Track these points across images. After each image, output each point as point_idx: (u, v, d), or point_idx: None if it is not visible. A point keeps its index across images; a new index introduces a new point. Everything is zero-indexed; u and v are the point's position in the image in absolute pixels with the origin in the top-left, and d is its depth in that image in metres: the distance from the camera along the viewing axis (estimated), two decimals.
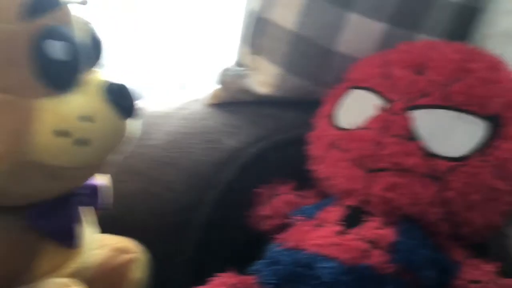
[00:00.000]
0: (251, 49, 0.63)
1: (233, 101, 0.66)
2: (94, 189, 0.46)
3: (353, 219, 0.47)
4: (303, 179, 0.55)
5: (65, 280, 0.40)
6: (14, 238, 0.39)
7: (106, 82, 0.39)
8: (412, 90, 0.47)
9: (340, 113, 0.52)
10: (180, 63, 1.08)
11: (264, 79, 0.63)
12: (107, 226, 0.54)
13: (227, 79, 0.66)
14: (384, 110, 0.47)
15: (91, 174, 0.43)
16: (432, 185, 0.44)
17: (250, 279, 0.47)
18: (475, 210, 0.44)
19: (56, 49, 0.36)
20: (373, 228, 0.45)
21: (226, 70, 0.68)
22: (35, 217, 0.40)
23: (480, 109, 0.45)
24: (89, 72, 0.40)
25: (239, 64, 0.69)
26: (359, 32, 0.57)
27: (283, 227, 0.52)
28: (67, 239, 0.42)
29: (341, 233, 0.45)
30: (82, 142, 0.36)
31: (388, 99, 0.48)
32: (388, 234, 0.44)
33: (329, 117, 0.53)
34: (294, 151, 0.57)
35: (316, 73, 0.60)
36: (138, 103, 0.42)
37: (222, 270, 0.48)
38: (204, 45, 1.05)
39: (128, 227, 0.54)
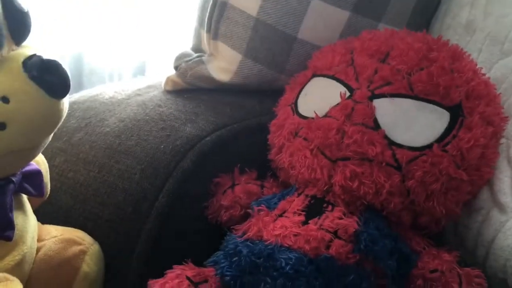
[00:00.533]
0: (210, 34, 0.61)
1: (191, 88, 0.64)
2: (31, 175, 0.43)
3: (315, 209, 0.46)
4: (263, 168, 0.54)
5: (1, 274, 0.37)
6: None
7: (29, 57, 0.36)
8: (375, 79, 0.46)
9: (303, 101, 0.51)
10: (139, 46, 1.04)
11: (223, 65, 0.61)
12: (57, 216, 0.51)
13: (184, 65, 0.64)
14: (347, 98, 0.46)
15: (20, 160, 0.40)
16: (395, 174, 0.44)
17: (208, 271, 0.45)
18: (435, 200, 0.44)
19: None
20: (335, 218, 0.44)
21: (183, 55, 0.65)
22: None
23: (442, 99, 0.45)
24: (12, 48, 0.37)
25: (196, 49, 0.67)
26: (322, 20, 0.56)
27: (242, 218, 0.50)
28: (3, 230, 0.39)
29: (302, 223, 0.44)
30: (2, 126, 0.34)
31: (351, 87, 0.47)
32: (350, 224, 0.43)
33: (291, 105, 0.52)
34: (254, 140, 0.55)
35: (277, 60, 0.58)
36: (68, 81, 0.38)
37: (179, 262, 0.47)
38: (164, 27, 1.02)
39: (79, 218, 0.51)
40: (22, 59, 0.36)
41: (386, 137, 0.44)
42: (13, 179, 0.40)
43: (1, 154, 0.35)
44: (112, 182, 0.52)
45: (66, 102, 0.39)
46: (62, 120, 0.39)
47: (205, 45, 0.63)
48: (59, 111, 0.38)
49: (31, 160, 0.42)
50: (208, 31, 0.61)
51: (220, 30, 0.60)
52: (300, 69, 0.57)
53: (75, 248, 0.46)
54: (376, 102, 0.45)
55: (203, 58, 0.62)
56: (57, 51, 0.92)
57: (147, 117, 0.57)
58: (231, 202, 0.51)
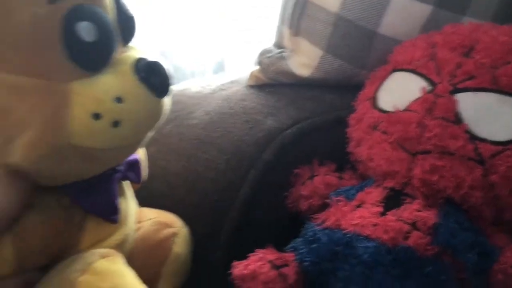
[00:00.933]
0: (291, 31, 0.63)
1: (272, 82, 0.67)
2: (133, 164, 0.47)
3: (393, 201, 0.47)
4: (342, 161, 0.55)
5: (106, 250, 0.41)
6: (59, 216, 0.40)
7: (138, 60, 0.39)
8: (458, 73, 0.46)
9: (382, 95, 0.52)
10: (220, 44, 1.08)
11: (304, 61, 0.63)
12: (151, 201, 0.55)
13: (266, 60, 0.66)
14: (428, 92, 0.47)
15: (127, 153, 0.43)
16: (476, 168, 0.43)
17: (288, 256, 0.48)
18: None
19: (86, 30, 0.35)
20: (414, 210, 0.45)
21: (265, 51, 0.68)
22: (77, 194, 0.40)
23: None
24: (122, 50, 0.40)
25: (278, 45, 0.69)
26: (403, 14, 0.56)
27: (321, 208, 0.52)
28: (109, 214, 0.43)
29: (381, 214, 0.46)
30: (115, 123, 0.36)
31: (432, 81, 0.47)
32: (429, 216, 0.44)
33: (371, 99, 0.53)
34: (333, 133, 0.57)
35: (357, 56, 0.59)
36: (171, 81, 0.41)
37: (260, 248, 0.49)
38: (244, 25, 1.05)
39: (169, 203, 0.55)
40: (131, 62, 0.38)
41: (468, 131, 0.44)
42: (118, 168, 0.44)
43: (113, 148, 0.38)
44: (200, 171, 0.56)
45: (167, 100, 0.42)
46: (164, 116, 0.43)
47: (286, 41, 0.65)
48: (162, 109, 0.41)
49: (134, 152, 0.45)
50: (290, 27, 0.63)
51: (301, 26, 0.62)
52: (380, 64, 0.57)
53: (168, 231, 0.50)
54: (458, 96, 0.45)
55: (284, 54, 0.65)
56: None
57: (231, 111, 0.60)
58: (310, 192, 0.53)
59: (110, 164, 0.42)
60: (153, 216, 0.51)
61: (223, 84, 0.69)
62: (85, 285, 0.37)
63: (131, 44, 0.42)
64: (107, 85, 0.36)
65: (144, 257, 0.48)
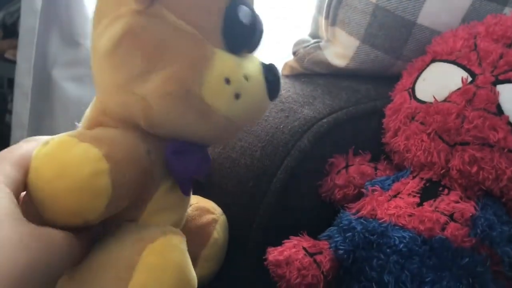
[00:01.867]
0: (328, 21, 0.63)
1: (308, 72, 0.67)
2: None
3: (430, 191, 0.47)
4: (377, 151, 0.55)
5: (175, 229, 0.41)
6: (146, 162, 0.40)
7: (261, 61, 0.43)
8: (500, 64, 0.46)
9: (421, 86, 0.52)
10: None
11: (340, 51, 0.63)
12: None
13: (301, 50, 0.67)
14: (468, 83, 0.46)
15: (223, 135, 0.45)
16: None
17: (322, 243, 0.48)
18: None
19: (246, 14, 0.40)
20: (451, 202, 0.45)
21: (301, 41, 0.69)
22: (173, 151, 0.41)
23: None
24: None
25: (314, 35, 0.69)
26: (443, 5, 0.55)
27: (355, 197, 0.53)
28: (188, 185, 0.44)
29: (417, 204, 0.46)
30: (237, 95, 0.40)
31: (473, 72, 0.47)
32: (467, 208, 0.44)
33: (409, 90, 0.53)
34: (369, 123, 0.57)
35: (395, 46, 0.59)
36: (280, 86, 0.44)
37: (294, 235, 0.50)
38: (278, 16, 1.05)
39: (206, 190, 0.56)
40: (257, 58, 0.43)
41: (509, 123, 0.43)
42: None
43: (223, 120, 0.40)
44: (235, 158, 0.57)
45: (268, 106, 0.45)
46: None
47: (322, 31, 0.65)
48: (264, 111, 0.45)
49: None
50: (327, 17, 0.63)
51: (338, 16, 0.62)
52: (417, 54, 0.57)
53: (209, 216, 0.51)
54: (500, 88, 0.45)
55: (320, 44, 0.65)
56: None
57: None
58: (345, 181, 0.53)
59: (211, 135, 0.43)
60: (194, 202, 0.52)
61: None
62: (155, 252, 0.37)
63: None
64: (242, 63, 0.41)
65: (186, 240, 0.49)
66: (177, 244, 0.39)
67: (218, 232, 0.51)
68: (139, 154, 0.39)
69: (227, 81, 0.39)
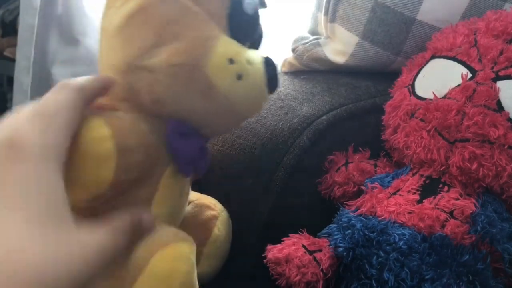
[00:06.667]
0: (327, 17, 0.63)
1: (307, 69, 0.67)
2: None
3: (430, 189, 0.46)
4: (376, 148, 0.55)
5: (185, 234, 0.41)
6: (151, 145, 0.40)
7: (263, 56, 0.44)
8: (500, 60, 0.45)
9: (420, 82, 0.52)
10: None
11: (339, 47, 0.62)
12: None
13: (301, 47, 0.66)
14: (468, 79, 0.46)
15: (222, 121, 0.45)
16: None
17: (322, 241, 0.48)
18: None
19: (251, 5, 0.42)
20: (451, 199, 0.44)
21: (300, 38, 0.68)
22: (174, 130, 0.42)
23: None
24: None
25: (313, 32, 0.69)
26: (443, 1, 0.55)
27: (355, 194, 0.52)
28: (188, 166, 0.44)
29: (417, 202, 0.45)
30: (239, 76, 0.40)
31: (473, 69, 0.47)
32: (467, 205, 0.43)
33: (408, 86, 0.52)
34: (368, 120, 0.57)
35: (394, 42, 0.59)
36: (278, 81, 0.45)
37: (294, 232, 0.50)
38: (278, 12, 1.05)
39: (207, 186, 0.56)
40: (259, 53, 0.44)
41: (510, 119, 0.43)
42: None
43: (225, 101, 0.41)
44: (234, 155, 0.56)
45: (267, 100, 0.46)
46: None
47: (321, 28, 0.65)
48: (262, 104, 0.45)
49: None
50: (326, 14, 0.63)
51: (337, 12, 0.61)
52: (417, 51, 0.57)
53: (209, 213, 0.51)
54: (500, 84, 0.45)
55: (319, 40, 0.65)
56: None
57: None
58: (344, 179, 0.53)
59: (212, 120, 0.43)
60: (194, 199, 0.52)
61: None
62: (163, 259, 0.37)
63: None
64: (245, 49, 0.42)
65: None
66: (187, 253, 0.39)
67: (219, 228, 0.51)
68: (141, 129, 0.39)
69: (231, 61, 0.40)
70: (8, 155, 0.29)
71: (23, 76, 1.15)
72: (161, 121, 0.41)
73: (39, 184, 0.29)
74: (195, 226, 0.49)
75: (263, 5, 0.46)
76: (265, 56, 0.44)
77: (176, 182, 0.44)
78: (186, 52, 0.39)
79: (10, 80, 1.22)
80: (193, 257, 0.40)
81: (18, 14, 1.15)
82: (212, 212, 0.51)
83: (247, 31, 0.43)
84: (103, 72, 0.42)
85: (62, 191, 0.30)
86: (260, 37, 0.46)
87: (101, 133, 0.35)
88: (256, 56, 0.43)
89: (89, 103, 0.37)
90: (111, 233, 0.31)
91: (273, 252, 0.47)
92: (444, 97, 0.47)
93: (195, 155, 0.43)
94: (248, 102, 0.43)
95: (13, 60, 1.18)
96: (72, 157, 0.33)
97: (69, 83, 0.36)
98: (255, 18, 0.43)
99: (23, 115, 0.31)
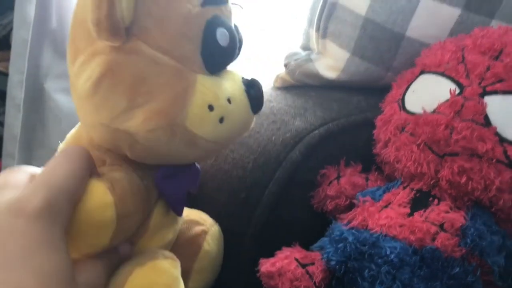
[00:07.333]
0: (318, 33, 0.64)
1: (299, 84, 0.68)
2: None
3: (420, 202, 0.47)
4: (368, 162, 0.56)
5: (170, 253, 0.43)
6: (145, 194, 0.41)
7: (242, 76, 0.43)
8: (487, 76, 0.46)
9: (410, 97, 0.53)
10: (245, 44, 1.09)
11: (331, 63, 0.63)
12: None
13: (293, 63, 0.67)
14: (456, 95, 0.47)
15: (213, 153, 0.46)
16: (505, 171, 0.44)
17: (314, 254, 0.49)
18: None
19: (224, 36, 0.40)
20: (441, 212, 0.45)
21: (292, 54, 0.69)
22: (161, 177, 0.42)
23: None
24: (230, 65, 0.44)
25: (305, 47, 0.70)
26: (431, 17, 0.56)
27: (347, 208, 0.53)
28: (180, 205, 0.45)
29: (408, 215, 0.46)
30: (221, 119, 0.40)
31: (461, 84, 0.48)
32: (457, 218, 0.44)
33: (398, 101, 0.53)
34: (360, 134, 0.57)
35: (384, 58, 0.60)
36: (263, 100, 0.45)
37: (286, 246, 0.50)
38: (270, 28, 1.06)
39: (199, 200, 0.56)
40: (238, 74, 0.43)
41: (497, 134, 0.44)
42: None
43: (213, 141, 0.41)
44: (227, 169, 0.57)
45: (253, 121, 0.46)
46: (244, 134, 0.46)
47: (313, 44, 0.66)
48: (250, 125, 0.45)
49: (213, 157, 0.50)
50: (317, 30, 0.64)
51: (329, 29, 0.62)
52: (407, 66, 0.58)
53: (198, 228, 0.51)
54: (487, 99, 0.45)
55: (311, 56, 0.66)
56: None
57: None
58: (336, 192, 0.54)
59: (201, 157, 0.44)
60: (185, 215, 0.52)
61: None
62: (141, 275, 0.38)
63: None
64: (224, 86, 0.41)
65: (175, 254, 0.50)
66: (167, 268, 0.40)
67: (209, 243, 0.51)
68: (138, 184, 0.40)
69: (211, 107, 0.39)
70: (15, 220, 0.31)
71: (16, 91, 1.15)
72: (150, 166, 0.42)
73: (46, 248, 0.31)
74: (184, 243, 0.50)
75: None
76: (247, 78, 0.43)
77: (169, 213, 0.45)
78: (162, 113, 0.37)
79: (3, 94, 1.22)
80: (175, 271, 0.40)
81: (11, 29, 1.16)
82: (201, 227, 0.51)
83: (223, 62, 0.42)
84: (81, 121, 0.42)
85: (67, 256, 0.33)
86: (239, 48, 0.44)
87: (104, 200, 0.36)
88: (236, 86, 0.42)
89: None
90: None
91: (266, 265, 0.48)
92: (433, 111, 0.48)
93: (186, 192, 0.44)
94: (234, 135, 0.43)
95: (6, 75, 1.18)
96: (73, 221, 0.35)
97: (78, 150, 0.38)
98: (230, 46, 0.41)
99: (33, 185, 0.34)
